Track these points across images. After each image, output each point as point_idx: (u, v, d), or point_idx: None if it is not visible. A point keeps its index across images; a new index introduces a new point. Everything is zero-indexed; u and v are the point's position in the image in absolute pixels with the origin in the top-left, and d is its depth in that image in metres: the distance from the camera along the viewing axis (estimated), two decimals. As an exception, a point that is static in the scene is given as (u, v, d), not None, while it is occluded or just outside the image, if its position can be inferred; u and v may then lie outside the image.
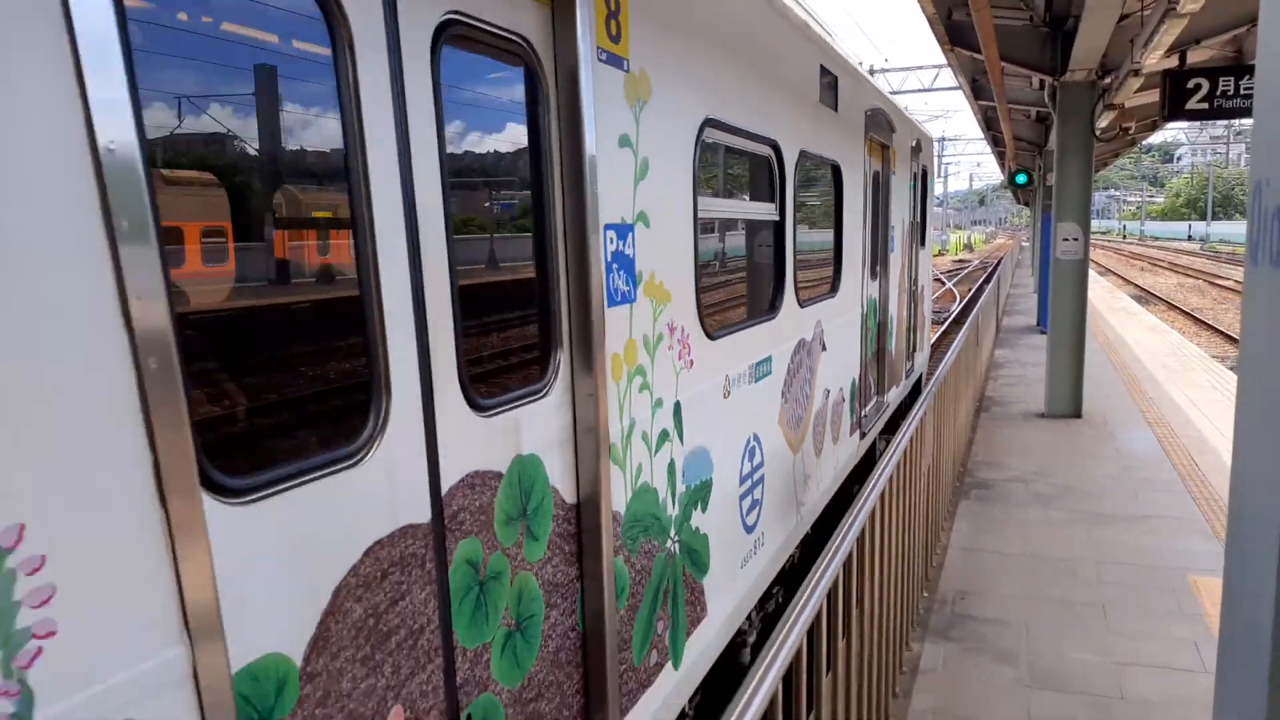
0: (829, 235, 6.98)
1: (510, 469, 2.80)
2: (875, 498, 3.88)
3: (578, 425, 3.14)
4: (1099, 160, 26.99)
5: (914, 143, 10.65)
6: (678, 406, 3.94)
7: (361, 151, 2.14)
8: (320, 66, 2.07)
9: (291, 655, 1.99)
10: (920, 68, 36.62)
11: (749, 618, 5.22)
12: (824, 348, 6.63)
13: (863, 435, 8.11)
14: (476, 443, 2.63)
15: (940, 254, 71.15)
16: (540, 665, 2.99)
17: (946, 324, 24.26)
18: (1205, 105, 9.89)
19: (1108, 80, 11.16)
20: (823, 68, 6.30)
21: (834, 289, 6.97)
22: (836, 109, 6.70)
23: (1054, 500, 8.32)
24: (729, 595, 4.66)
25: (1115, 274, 50.10)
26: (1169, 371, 14.91)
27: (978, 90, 16.55)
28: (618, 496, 3.39)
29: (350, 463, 2.15)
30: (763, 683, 2.25)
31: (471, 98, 2.75)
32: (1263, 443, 1.32)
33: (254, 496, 1.89)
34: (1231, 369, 15.43)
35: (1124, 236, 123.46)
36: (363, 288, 2.20)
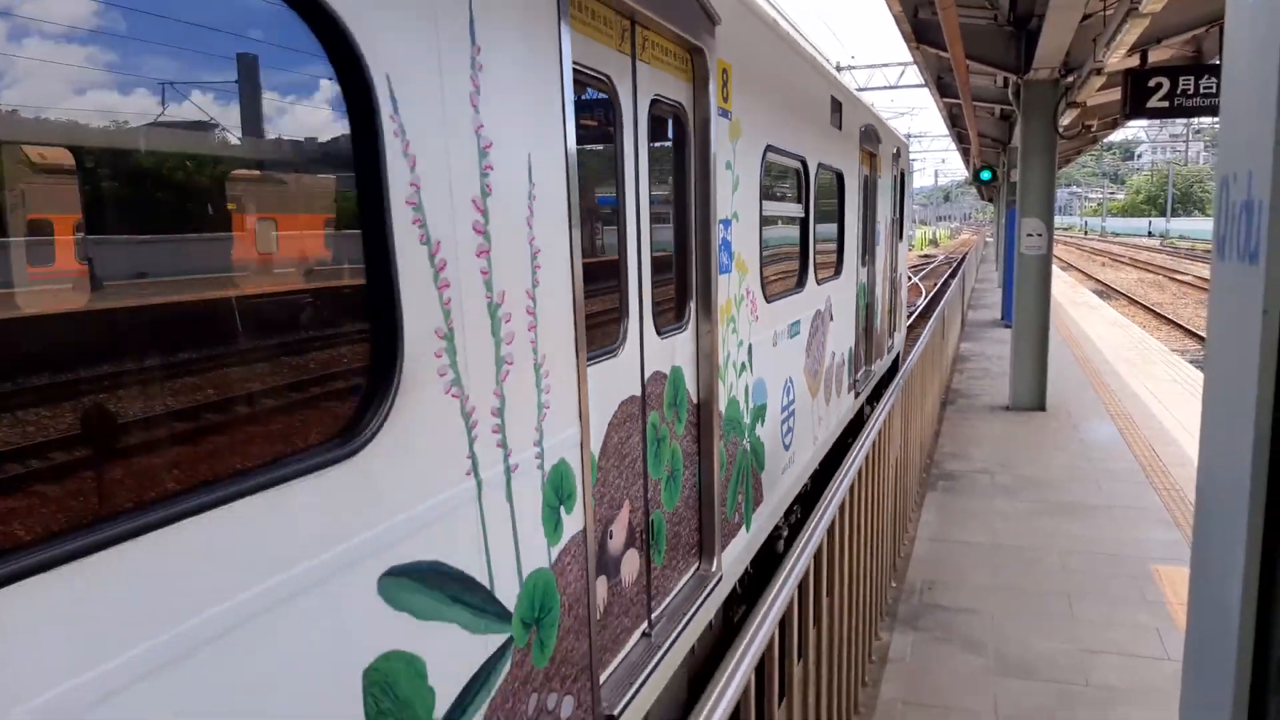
0: (833, 229, 8.51)
1: (670, 373, 4.31)
2: (845, 489, 3.93)
3: (699, 352, 4.66)
4: (1062, 157, 27.34)
5: (895, 150, 12.29)
6: (750, 348, 5.51)
7: (621, 174, 3.73)
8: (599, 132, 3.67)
9: (595, 453, 3.49)
10: (886, 65, 36.91)
11: (780, 521, 6.67)
12: (831, 318, 8.20)
13: (856, 395, 9.70)
14: (657, 353, 4.13)
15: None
16: (680, 503, 4.45)
17: (913, 318, 24.48)
18: (1166, 104, 10.05)
19: (1070, 79, 11.31)
20: (833, 98, 8.05)
21: (837, 272, 8.47)
22: (840, 128, 8.33)
23: (1019, 491, 8.44)
24: (774, 491, 6.24)
25: (1078, 269, 50.81)
26: (1130, 365, 15.17)
27: (943, 88, 16.70)
28: (720, 402, 4.86)
29: (613, 354, 3.71)
30: (736, 672, 2.27)
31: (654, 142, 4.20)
32: (1228, 434, 1.35)
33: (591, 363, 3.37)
34: (1191, 362, 15.72)
35: (1086, 233, 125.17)
36: (623, 262, 3.80)
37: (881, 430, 5.30)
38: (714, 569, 4.76)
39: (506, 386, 2.74)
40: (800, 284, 6.99)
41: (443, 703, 2.41)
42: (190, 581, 1.75)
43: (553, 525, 3.01)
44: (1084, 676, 5.11)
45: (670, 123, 4.41)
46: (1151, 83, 10.11)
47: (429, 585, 2.36)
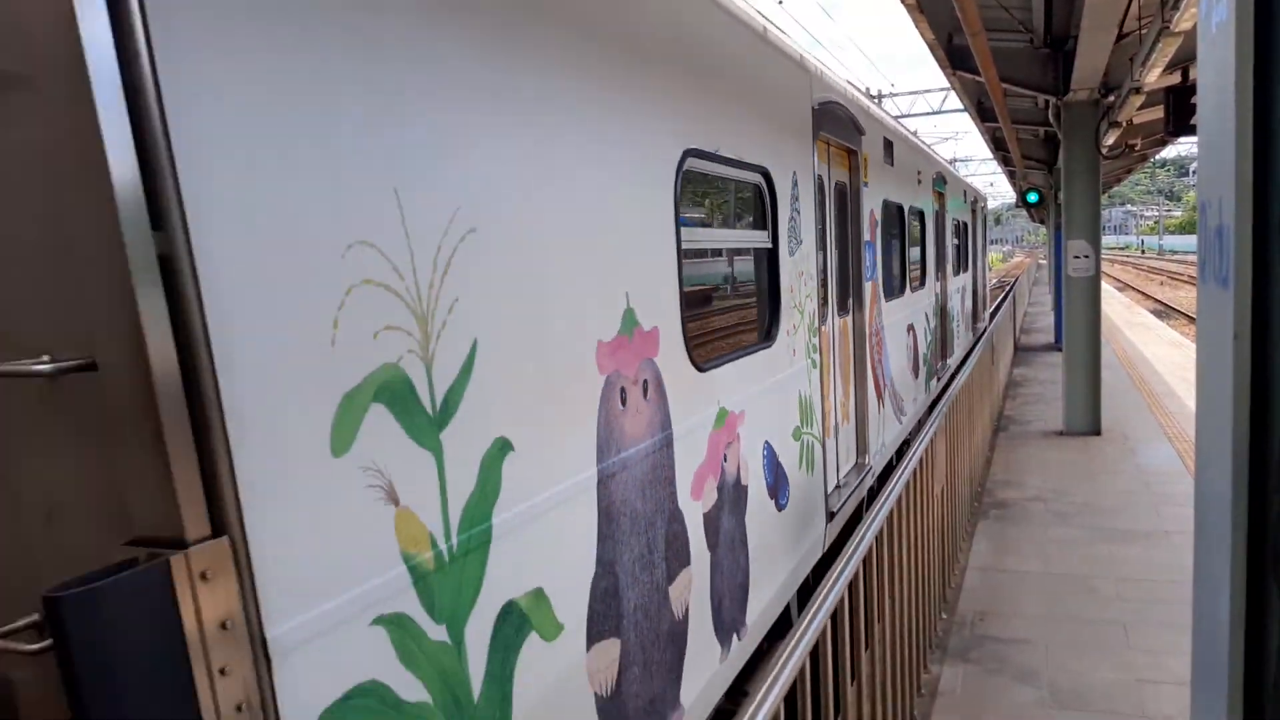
0: (917, 251, 11.25)
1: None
2: (881, 520, 3.91)
3: (856, 330, 7.36)
4: (1111, 177, 26.96)
5: (963, 191, 16.56)
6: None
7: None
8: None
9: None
10: (928, 91, 36.77)
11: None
12: (927, 318, 11.69)
13: (938, 380, 12.50)
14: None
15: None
16: None
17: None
18: (1198, 122, 9.89)
19: (1110, 98, 11.21)
20: (939, 174, 12.03)
21: (923, 283, 11.53)
22: (920, 183, 11.20)
23: (1073, 518, 8.28)
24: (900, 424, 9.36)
25: (1134, 289, 49.81)
26: (1189, 386, 14.81)
27: (983, 112, 16.62)
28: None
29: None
30: (762, 705, 2.29)
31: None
32: (1216, 455, 1.36)
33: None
34: (1252, 381, 15.25)
35: (1143, 251, 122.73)
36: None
37: (923, 458, 5.26)
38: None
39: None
40: (901, 291, 9.82)
41: None
42: None
43: None
44: (1140, 707, 4.99)
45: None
46: (1193, 100, 9.96)
47: None
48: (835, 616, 3.11)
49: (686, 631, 3.81)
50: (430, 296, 2.27)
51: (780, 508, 5.24)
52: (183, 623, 1.70)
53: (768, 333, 5.18)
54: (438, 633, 2.30)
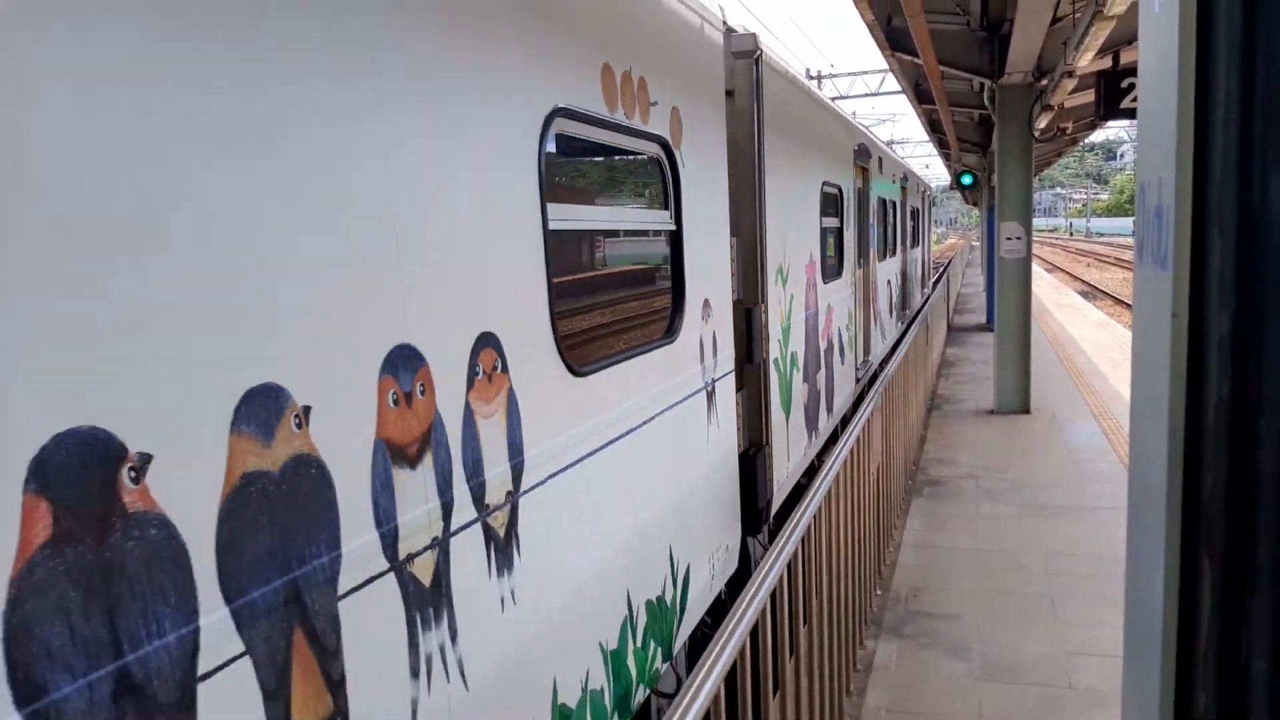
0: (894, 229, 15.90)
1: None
2: (820, 499, 3.94)
3: (866, 276, 11.62)
4: (1042, 160, 27.52)
5: (918, 187, 22.39)
6: (876, 278, 13.13)
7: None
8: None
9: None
10: (866, 72, 37.09)
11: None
12: (889, 281, 15.20)
13: (900, 322, 16.60)
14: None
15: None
16: None
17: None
18: (1138, 104, 10.13)
19: (1044, 82, 11.41)
20: (911, 180, 19.12)
21: (897, 253, 16.35)
22: (904, 189, 17.48)
23: (1004, 495, 8.47)
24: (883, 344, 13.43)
25: (1063, 270, 51.08)
26: (1114, 365, 15.25)
27: (921, 94, 16.80)
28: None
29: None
30: (702, 687, 2.28)
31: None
32: (1149, 433, 1.37)
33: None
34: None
35: (1071, 234, 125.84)
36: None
37: (860, 437, 5.32)
38: None
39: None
40: (895, 253, 15.84)
41: None
42: None
43: None
44: (1067, 679, 5.13)
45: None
46: (1124, 83, 10.20)
47: None
48: (775, 595, 3.13)
49: (820, 409, 8.48)
50: None
51: (842, 362, 9.91)
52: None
53: (839, 270, 9.83)
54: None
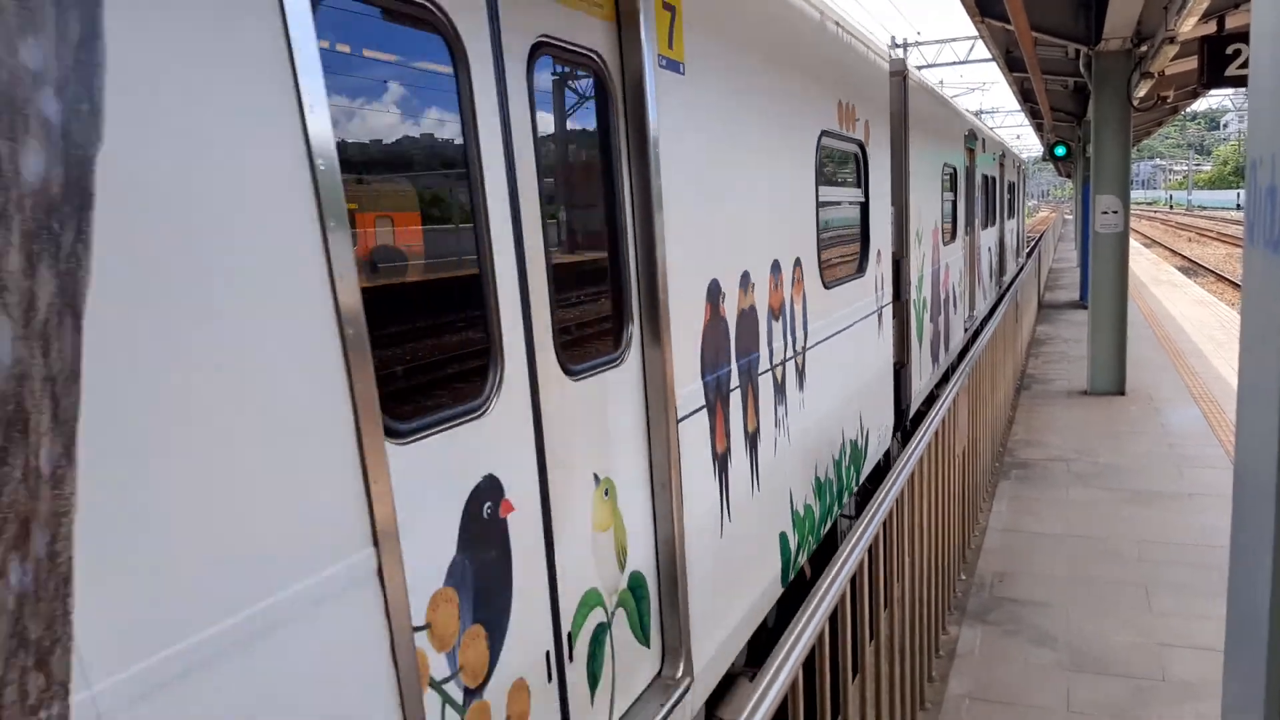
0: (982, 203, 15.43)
1: None
2: (903, 481, 3.86)
3: (966, 258, 12.92)
4: (1141, 130, 26.41)
5: (1013, 161, 22.29)
6: (980, 244, 15.02)
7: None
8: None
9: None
10: (955, 40, 36.04)
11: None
12: (989, 248, 16.43)
13: (997, 285, 17.74)
14: (950, 252, 11.19)
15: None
16: None
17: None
18: (1245, 71, 9.63)
19: (1143, 48, 10.91)
20: (1008, 156, 19.02)
21: (996, 223, 17.21)
22: (1001, 165, 18.04)
23: (1095, 479, 8.20)
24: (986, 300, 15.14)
25: (1162, 245, 49.09)
26: (1216, 345, 14.61)
27: (1012, 62, 16.25)
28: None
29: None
30: (780, 671, 2.26)
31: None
32: (1262, 422, 1.30)
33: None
34: (1282, 340, 15.03)
35: (1170, 207, 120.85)
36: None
37: (946, 418, 5.19)
38: None
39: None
40: (987, 226, 16.09)
41: None
42: None
43: None
44: (1160, 671, 4.95)
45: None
46: (1230, 50, 9.67)
47: None
48: (855, 580, 3.08)
49: (940, 345, 10.31)
50: None
51: (955, 311, 11.64)
52: None
53: (954, 236, 11.56)
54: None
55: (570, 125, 3.33)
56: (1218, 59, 9.66)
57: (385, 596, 2.09)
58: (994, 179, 16.99)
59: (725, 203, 4.17)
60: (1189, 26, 9.11)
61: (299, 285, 1.88)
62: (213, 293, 1.69)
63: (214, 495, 1.69)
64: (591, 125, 3.35)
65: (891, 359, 7.92)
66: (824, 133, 5.67)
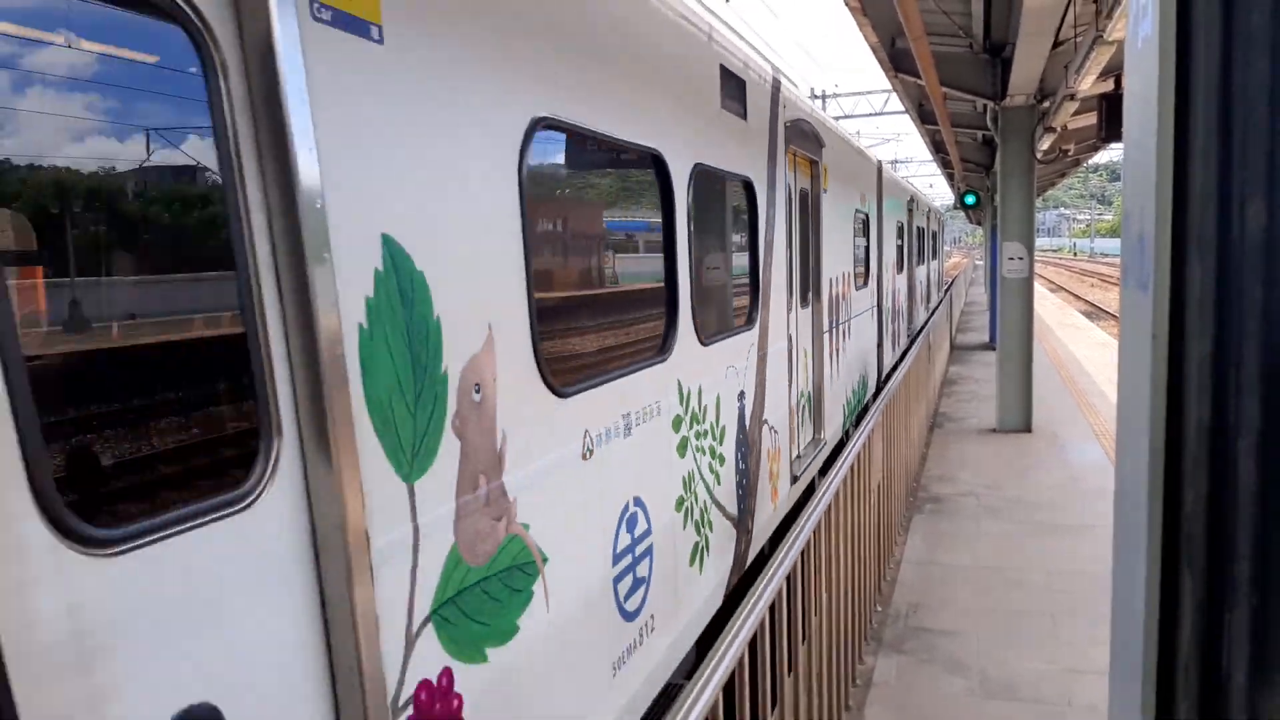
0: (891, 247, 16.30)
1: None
2: (819, 514, 3.98)
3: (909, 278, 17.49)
4: (1046, 180, 27.61)
5: (924, 209, 23.87)
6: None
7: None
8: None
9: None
10: (871, 92, 37.31)
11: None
12: (909, 286, 18.76)
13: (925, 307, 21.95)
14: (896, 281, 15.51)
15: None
16: None
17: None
18: (1123, 132, 10.20)
19: (1046, 104, 11.50)
20: (911, 198, 20.11)
21: (904, 270, 18.00)
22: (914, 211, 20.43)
23: (1005, 512, 8.49)
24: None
25: (1066, 290, 51.10)
26: (1116, 386, 15.24)
27: (924, 115, 16.92)
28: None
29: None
30: (701, 694, 2.32)
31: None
32: (1134, 450, 1.42)
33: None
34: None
35: (1074, 254, 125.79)
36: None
37: (860, 453, 5.36)
38: None
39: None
40: (904, 269, 17.38)
41: None
42: None
43: None
44: (1068, 696, 5.15)
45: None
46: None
47: None
48: (773, 608, 3.17)
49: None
50: None
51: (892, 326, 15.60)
52: None
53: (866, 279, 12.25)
54: None
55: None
56: (1115, 115, 10.23)
57: None
58: (903, 226, 17.32)
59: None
60: (1088, 84, 9.65)
61: None
62: None
63: None
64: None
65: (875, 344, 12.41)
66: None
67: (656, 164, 4.38)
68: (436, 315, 2.65)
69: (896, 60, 11.89)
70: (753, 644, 2.92)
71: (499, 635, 2.93)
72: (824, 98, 36.87)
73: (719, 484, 5.42)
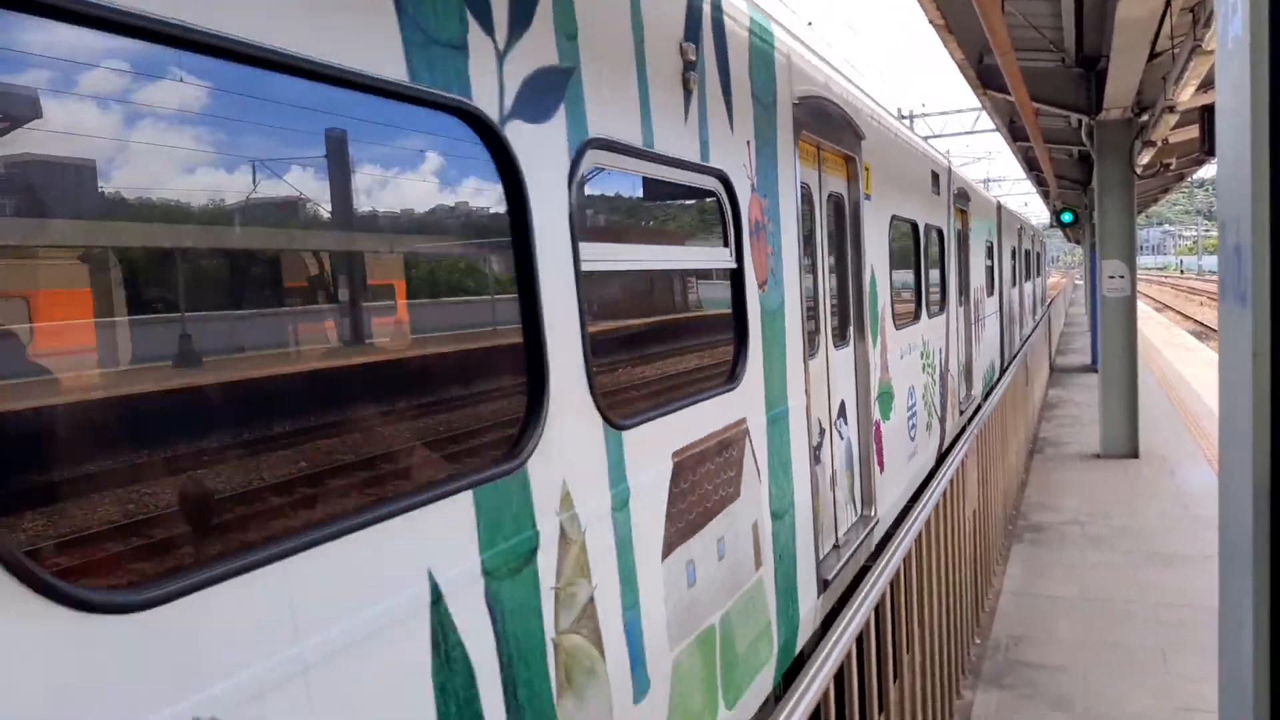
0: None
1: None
2: (909, 541, 3.87)
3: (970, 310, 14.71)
4: (1148, 196, 26.66)
5: (1029, 234, 26.37)
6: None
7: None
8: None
9: None
10: (960, 111, 36.66)
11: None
12: (1018, 299, 22.02)
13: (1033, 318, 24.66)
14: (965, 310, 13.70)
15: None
16: None
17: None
18: (1217, 142, 9.78)
19: (1144, 117, 11.12)
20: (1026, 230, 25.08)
21: (1017, 284, 21.74)
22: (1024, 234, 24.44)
23: (1110, 542, 8.15)
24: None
25: (1173, 309, 49.09)
26: (1229, 407, 14.54)
27: (1015, 132, 16.53)
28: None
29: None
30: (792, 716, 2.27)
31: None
32: (1240, 473, 1.35)
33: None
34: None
35: (1181, 272, 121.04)
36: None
37: (954, 479, 5.21)
38: None
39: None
40: (993, 292, 16.41)
41: None
42: None
43: None
44: (1180, 735, 4.88)
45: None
46: (1229, 117, 9.85)
47: None
48: (861, 639, 3.08)
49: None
50: None
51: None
52: None
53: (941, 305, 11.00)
54: None
55: None
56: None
57: None
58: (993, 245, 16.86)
59: None
60: (1187, 96, 9.31)
61: None
62: None
63: None
64: None
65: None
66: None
67: (913, 227, 8.80)
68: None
69: (985, 76, 11.66)
70: (839, 676, 2.85)
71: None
72: (911, 117, 36.37)
73: (935, 395, 9.77)
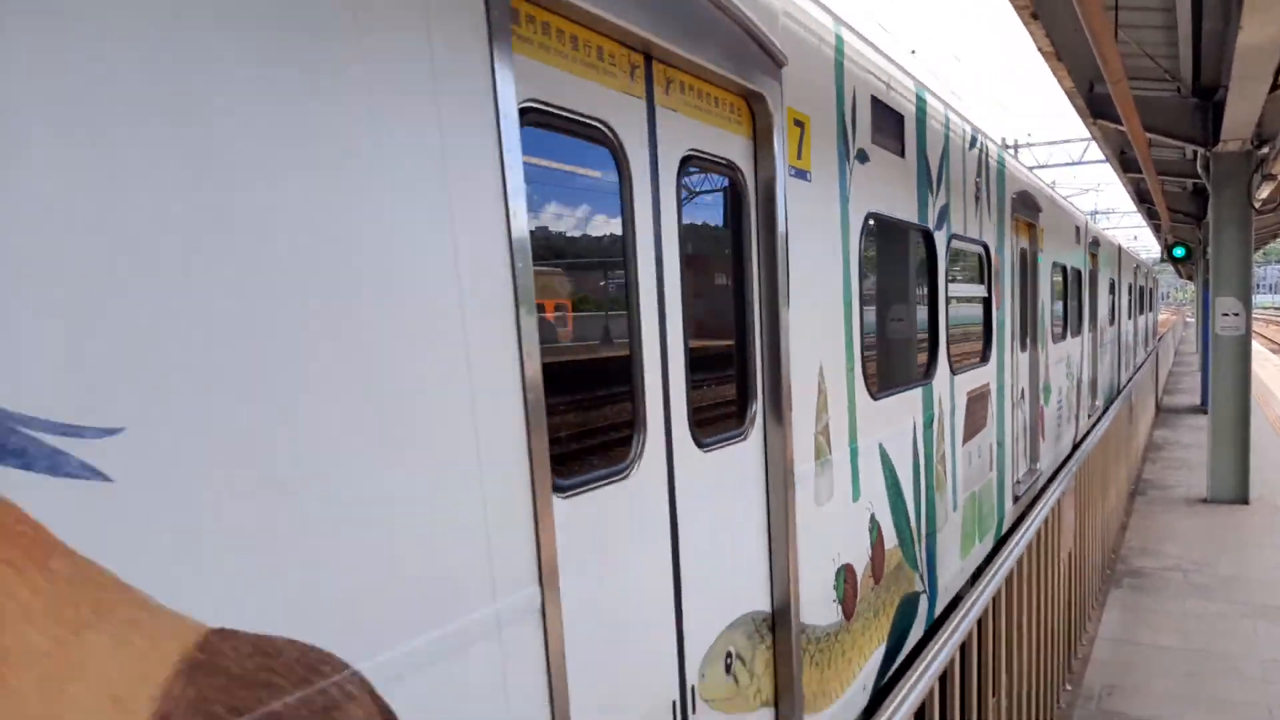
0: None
1: None
2: (999, 580, 3.77)
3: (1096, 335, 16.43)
4: (1266, 232, 25.45)
5: (1144, 272, 27.43)
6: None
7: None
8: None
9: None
10: (1068, 141, 35.62)
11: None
12: (1132, 330, 23.48)
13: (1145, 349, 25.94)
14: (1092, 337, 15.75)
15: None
16: None
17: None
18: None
19: (1264, 150, 10.64)
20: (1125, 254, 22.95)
21: (1132, 317, 23.51)
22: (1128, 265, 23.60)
23: (1216, 591, 7.76)
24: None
25: (1293, 351, 46.58)
26: (1352, 456, 13.73)
27: (1126, 163, 16.01)
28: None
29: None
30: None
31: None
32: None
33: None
34: None
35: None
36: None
37: (1049, 519, 5.05)
38: None
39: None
40: (1090, 327, 14.82)
41: None
42: None
43: None
44: (1287, 801, 4.61)
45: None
46: (1358, 152, 9.38)
47: None
48: (945, 678, 3.01)
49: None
50: None
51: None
52: None
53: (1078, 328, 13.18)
54: None
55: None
56: (1345, 161, 9.37)
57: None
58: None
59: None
60: (1312, 127, 8.88)
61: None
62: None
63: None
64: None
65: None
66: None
67: (1064, 270, 10.55)
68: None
69: (1095, 105, 11.33)
70: (920, 715, 2.79)
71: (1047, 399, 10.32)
72: (1015, 147, 35.51)
73: (1072, 397, 12.15)
